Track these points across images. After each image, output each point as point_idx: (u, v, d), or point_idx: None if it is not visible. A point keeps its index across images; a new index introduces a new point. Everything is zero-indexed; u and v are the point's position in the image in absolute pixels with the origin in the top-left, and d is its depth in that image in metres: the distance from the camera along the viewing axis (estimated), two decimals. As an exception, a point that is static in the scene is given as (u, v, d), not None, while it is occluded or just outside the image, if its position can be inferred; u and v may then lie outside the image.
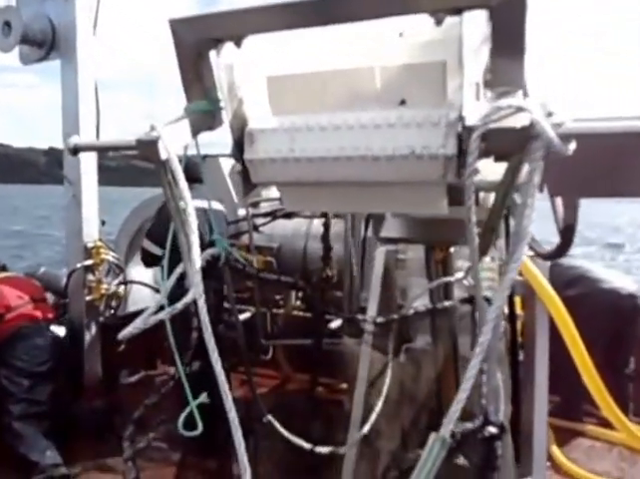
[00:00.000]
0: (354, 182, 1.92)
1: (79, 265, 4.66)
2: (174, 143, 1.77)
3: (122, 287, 4.87)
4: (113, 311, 4.85)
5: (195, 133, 1.93)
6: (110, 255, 4.77)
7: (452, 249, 3.54)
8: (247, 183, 2.07)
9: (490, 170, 1.80)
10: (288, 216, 5.25)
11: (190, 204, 1.74)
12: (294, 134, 1.91)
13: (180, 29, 1.85)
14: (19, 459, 4.02)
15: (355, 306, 5.05)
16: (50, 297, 4.81)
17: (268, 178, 2.00)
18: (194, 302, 1.83)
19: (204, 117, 1.99)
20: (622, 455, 5.06)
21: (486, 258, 3.94)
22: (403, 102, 1.91)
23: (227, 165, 5.67)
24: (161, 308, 1.86)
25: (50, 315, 4.55)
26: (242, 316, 5.93)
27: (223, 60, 1.90)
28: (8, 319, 4.32)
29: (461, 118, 1.76)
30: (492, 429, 1.52)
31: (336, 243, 4.89)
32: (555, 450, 4.98)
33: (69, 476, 4.03)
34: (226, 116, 1.99)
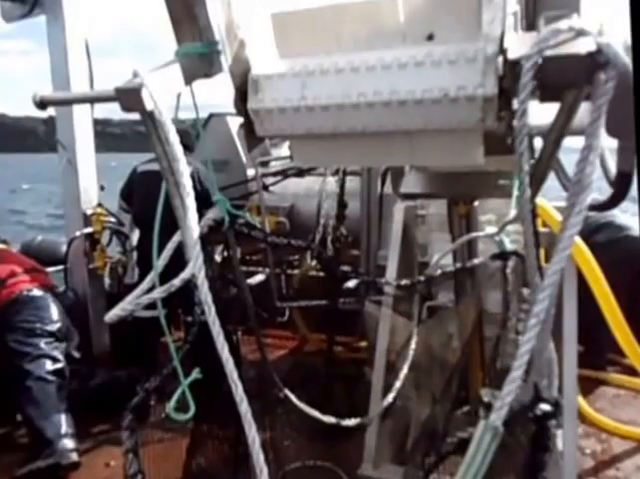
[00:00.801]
0: (376, 131, 1.67)
1: (78, 233, 4.45)
2: (163, 91, 1.51)
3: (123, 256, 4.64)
4: (119, 280, 4.65)
5: (189, 80, 1.66)
6: (111, 222, 4.54)
7: (475, 203, 3.31)
8: (252, 136, 1.81)
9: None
10: (300, 174, 4.99)
11: (183, 161, 1.49)
12: (306, 78, 1.64)
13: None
14: (32, 435, 3.89)
15: (372, 265, 4.84)
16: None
17: (276, 130, 1.75)
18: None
19: (200, 62, 1.72)
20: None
21: (512, 211, 3.75)
22: (430, 37, 1.62)
23: (235, 124, 5.40)
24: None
25: (51, 283, 4.37)
26: (256, 279, 5.78)
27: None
28: (8, 285, 4.12)
29: (501, 51, 1.49)
30: (545, 407, 1.31)
31: (351, 201, 4.65)
32: (580, 400, 4.86)
33: (78, 463, 3.83)
34: (225, 60, 1.72)
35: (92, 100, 1.77)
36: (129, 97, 1.46)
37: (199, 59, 1.71)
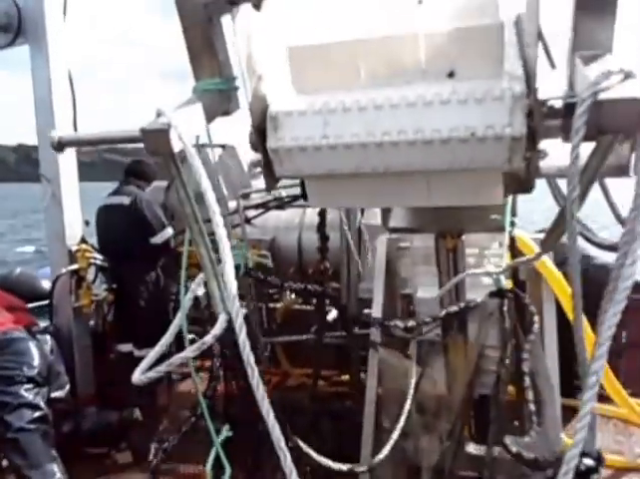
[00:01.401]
0: (398, 171, 1.59)
1: (64, 270, 4.23)
2: (189, 132, 1.40)
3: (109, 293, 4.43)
4: (104, 318, 4.44)
5: (210, 119, 1.57)
6: (96, 259, 4.32)
7: (463, 237, 3.26)
8: (270, 176, 1.72)
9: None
10: (281, 206, 4.91)
11: (216, 208, 1.36)
12: (327, 116, 1.56)
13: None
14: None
15: (354, 298, 4.73)
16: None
17: (296, 170, 1.66)
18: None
19: (217, 98, 1.63)
20: (618, 428, 4.93)
21: (495, 244, 3.73)
22: (452, 74, 1.56)
23: (215, 155, 5.23)
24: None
25: (31, 321, 4.12)
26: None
27: (240, 27, 1.53)
28: None
29: (530, 90, 1.43)
30: (589, 461, 1.21)
31: (330, 233, 4.56)
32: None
33: None
34: (245, 96, 1.62)
35: (112, 141, 1.66)
36: (155, 138, 1.36)
37: (218, 96, 1.61)
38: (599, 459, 1.22)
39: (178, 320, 1.65)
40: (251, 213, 4.90)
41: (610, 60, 1.28)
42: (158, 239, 4.60)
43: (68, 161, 4.27)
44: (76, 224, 4.37)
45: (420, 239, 3.84)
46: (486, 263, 3.59)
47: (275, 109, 1.60)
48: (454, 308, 2.77)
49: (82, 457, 3.87)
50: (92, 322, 4.46)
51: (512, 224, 3.20)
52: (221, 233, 1.28)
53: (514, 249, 3.58)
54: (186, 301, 1.67)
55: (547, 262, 3.76)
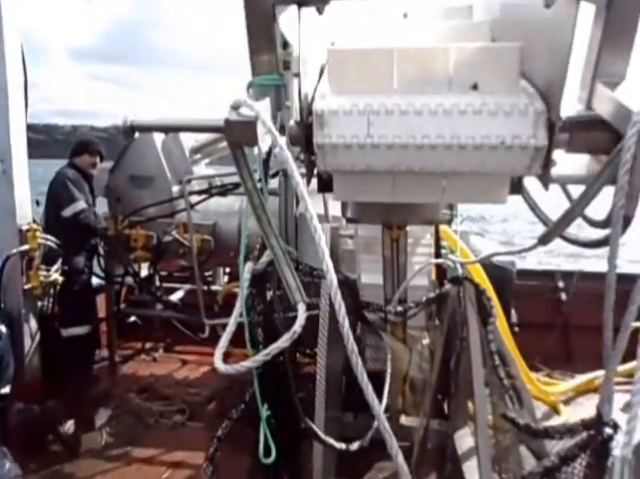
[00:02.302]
0: (429, 171, 1.70)
1: (15, 251, 3.92)
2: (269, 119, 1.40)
3: (59, 275, 4.14)
4: (53, 300, 4.15)
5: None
6: (46, 239, 4.02)
7: (407, 228, 3.44)
8: (310, 168, 1.76)
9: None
10: (224, 193, 4.86)
11: (308, 198, 1.34)
12: (371, 117, 1.64)
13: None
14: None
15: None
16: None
17: (337, 165, 1.73)
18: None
19: (268, 92, 1.64)
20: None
21: (427, 235, 3.95)
22: (475, 86, 1.70)
23: (159, 139, 5.09)
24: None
25: None
26: (177, 295, 5.48)
27: (303, 27, 1.57)
28: None
29: (549, 108, 1.60)
30: (608, 430, 1.34)
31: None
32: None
33: None
34: (293, 92, 1.66)
35: (189, 129, 1.62)
36: (241, 130, 1.35)
37: (266, 90, 1.62)
38: (615, 427, 1.33)
39: (240, 304, 1.64)
40: (194, 198, 4.81)
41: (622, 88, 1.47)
42: (67, 212, 4.39)
43: (18, 139, 3.95)
44: (26, 203, 4.06)
45: (363, 228, 4.00)
46: (420, 253, 3.83)
47: (321, 107, 1.66)
48: (430, 294, 2.93)
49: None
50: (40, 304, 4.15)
51: (452, 219, 3.44)
52: (316, 225, 1.28)
53: (439, 240, 3.84)
54: (245, 281, 1.66)
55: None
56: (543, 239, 1.84)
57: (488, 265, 5.55)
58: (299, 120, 1.69)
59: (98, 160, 4.72)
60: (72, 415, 4.00)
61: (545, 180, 1.70)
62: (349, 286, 3.01)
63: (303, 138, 1.70)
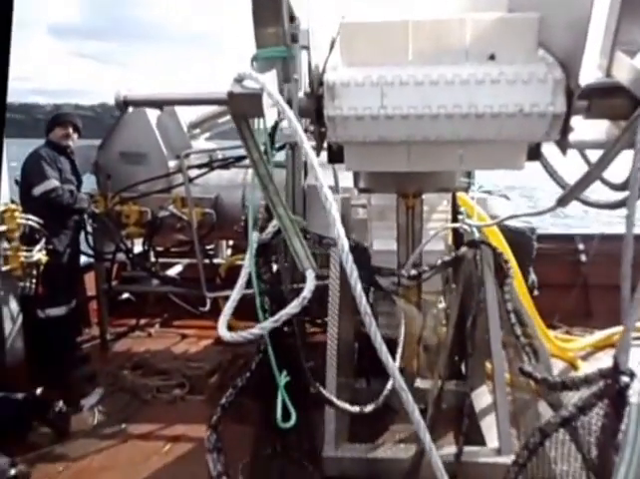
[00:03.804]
0: (447, 140, 1.75)
1: None
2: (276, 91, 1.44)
3: (43, 254, 4.17)
4: (37, 281, 4.18)
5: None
6: (27, 219, 4.02)
7: (423, 196, 3.51)
8: (321, 139, 1.81)
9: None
10: (226, 166, 4.89)
11: (318, 167, 1.38)
12: (385, 88, 1.68)
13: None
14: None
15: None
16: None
17: (349, 136, 1.77)
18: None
19: (274, 65, 1.68)
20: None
21: (444, 202, 4.02)
22: (492, 57, 1.74)
23: (153, 116, 5.09)
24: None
25: None
26: (175, 269, 5.54)
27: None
28: None
29: (568, 76, 1.64)
30: (625, 379, 1.42)
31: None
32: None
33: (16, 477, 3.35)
34: (299, 73, 1.70)
35: (188, 102, 1.65)
36: (246, 102, 1.39)
37: (272, 63, 1.66)
38: (632, 375, 1.40)
39: (247, 267, 1.69)
40: (193, 172, 4.83)
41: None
42: (36, 191, 4.41)
43: (-8, 115, 3.93)
44: (2, 184, 4.03)
45: (376, 197, 4.06)
46: (436, 219, 3.92)
47: (332, 79, 1.69)
48: (446, 258, 3.01)
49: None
50: (22, 285, 4.17)
51: (469, 186, 3.51)
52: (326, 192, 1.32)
53: (455, 207, 3.92)
54: (253, 246, 1.71)
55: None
56: (562, 201, 1.90)
57: (508, 230, 5.68)
58: (309, 92, 1.73)
59: (71, 130, 4.66)
60: (59, 398, 4.01)
61: (563, 145, 1.75)
62: (360, 252, 3.07)
63: (313, 110, 1.74)
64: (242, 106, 1.42)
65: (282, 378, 1.80)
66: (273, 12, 1.59)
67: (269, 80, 1.49)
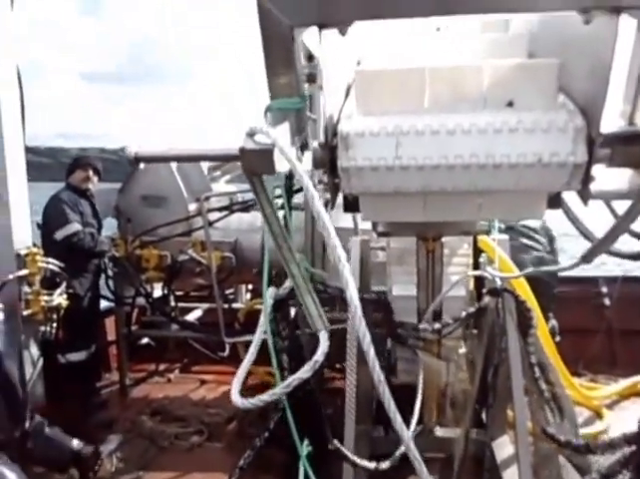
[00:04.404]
0: (464, 190, 1.72)
1: (11, 277, 3.97)
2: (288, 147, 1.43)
3: (64, 298, 4.20)
4: (58, 325, 4.20)
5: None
6: (48, 263, 4.06)
7: (443, 239, 3.46)
8: (335, 191, 1.79)
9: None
10: (246, 209, 4.93)
11: (332, 229, 1.37)
12: (400, 138, 1.65)
13: (274, 6, 1.49)
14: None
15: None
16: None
17: (364, 187, 1.75)
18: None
19: (287, 116, 1.67)
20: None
21: (465, 245, 3.97)
22: (511, 103, 1.71)
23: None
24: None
25: None
26: (194, 314, 5.53)
27: (327, 43, 1.59)
28: None
29: (589, 123, 1.61)
30: None
31: (296, 235, 4.63)
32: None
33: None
34: (318, 114, 1.68)
35: (199, 158, 1.65)
36: (257, 158, 1.38)
37: (286, 113, 1.65)
38: None
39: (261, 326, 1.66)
40: (213, 215, 4.86)
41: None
42: (58, 235, 4.46)
43: (16, 161, 4.01)
44: (25, 227, 4.10)
45: (395, 240, 4.03)
46: (457, 263, 3.86)
47: (346, 129, 1.68)
48: (469, 310, 2.94)
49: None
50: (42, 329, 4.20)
51: (490, 228, 3.45)
52: (340, 253, 1.30)
53: (477, 250, 3.85)
54: (268, 307, 1.68)
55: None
56: (587, 257, 1.84)
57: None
58: (323, 142, 1.72)
59: (91, 173, 4.75)
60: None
61: (585, 195, 1.70)
62: (380, 303, 3.02)
63: (327, 160, 1.73)
64: (254, 162, 1.40)
65: (304, 448, 1.75)
66: (286, 60, 1.57)
67: (281, 133, 1.48)
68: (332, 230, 1.33)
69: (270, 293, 1.81)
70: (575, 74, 1.69)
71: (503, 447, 3.52)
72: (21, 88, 4.17)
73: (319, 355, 1.39)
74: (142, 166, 5.08)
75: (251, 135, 1.42)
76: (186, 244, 4.89)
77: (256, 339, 1.67)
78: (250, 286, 5.98)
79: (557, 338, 4.82)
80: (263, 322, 1.77)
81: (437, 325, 2.79)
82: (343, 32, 1.58)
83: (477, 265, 3.74)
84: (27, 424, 3.50)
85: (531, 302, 3.41)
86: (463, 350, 3.79)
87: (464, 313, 2.90)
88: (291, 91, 1.63)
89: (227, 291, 5.46)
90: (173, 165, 5.03)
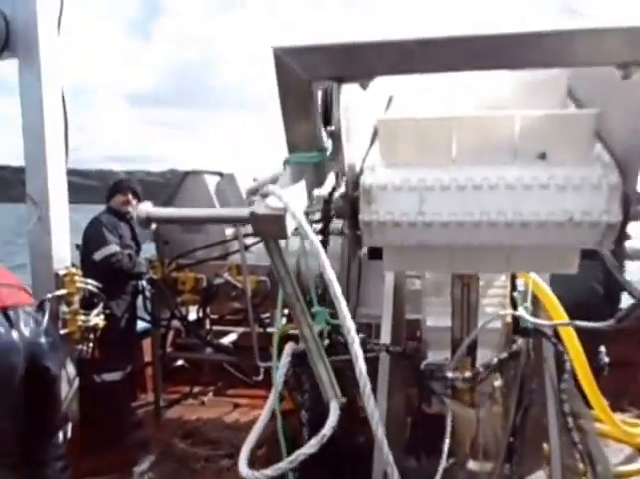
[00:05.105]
0: (490, 247, 1.65)
1: (49, 296, 4.06)
2: (300, 211, 1.41)
3: (101, 319, 4.28)
4: (94, 345, 4.29)
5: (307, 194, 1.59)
6: (86, 284, 4.16)
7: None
8: (357, 244, 1.76)
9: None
10: (281, 233, 4.89)
11: (339, 291, 1.36)
12: (424, 193, 1.60)
13: (292, 62, 1.47)
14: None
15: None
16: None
17: (386, 241, 1.70)
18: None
19: (308, 170, 1.65)
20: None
21: (503, 277, 3.85)
22: (543, 155, 1.63)
23: (212, 181, 5.25)
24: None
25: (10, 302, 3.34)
26: (229, 338, 5.56)
27: (343, 101, 1.56)
28: None
29: (625, 178, 1.52)
30: None
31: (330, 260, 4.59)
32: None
33: None
34: (339, 166, 1.65)
35: (211, 220, 1.65)
36: (269, 223, 1.36)
37: (308, 167, 1.63)
38: None
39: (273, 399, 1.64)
40: (249, 240, 4.87)
41: None
42: (97, 256, 4.54)
43: (58, 183, 4.12)
44: (64, 248, 4.20)
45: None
46: (493, 294, 3.74)
47: (369, 181, 1.64)
48: (504, 355, 2.84)
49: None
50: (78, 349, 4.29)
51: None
52: (345, 313, 1.28)
53: (514, 286, 3.72)
54: (284, 366, 1.66)
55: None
56: (622, 320, 1.75)
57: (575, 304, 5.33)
58: (344, 193, 1.68)
59: (130, 196, 4.83)
60: (111, 463, 4.10)
61: (619, 255, 1.62)
62: (406, 356, 2.96)
63: (348, 211, 1.69)
64: (266, 226, 1.38)
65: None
66: (304, 113, 1.56)
67: (296, 194, 1.46)
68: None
69: (288, 350, 1.77)
70: (615, 122, 1.60)
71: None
72: (65, 111, 4.28)
73: (327, 429, 1.36)
74: (184, 183, 5.18)
75: (265, 195, 1.41)
76: (223, 268, 4.90)
77: (263, 417, 1.65)
78: (286, 311, 5.94)
79: (605, 373, 4.65)
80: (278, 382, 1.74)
81: (467, 374, 2.68)
82: (364, 86, 1.54)
83: (513, 302, 3.62)
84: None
85: (571, 341, 3.27)
86: (499, 383, 3.67)
87: (495, 360, 2.78)
88: (310, 143, 1.61)
89: (263, 316, 5.45)
90: (212, 188, 5.08)
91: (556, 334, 3.55)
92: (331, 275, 1.34)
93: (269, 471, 1.37)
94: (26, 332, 3.27)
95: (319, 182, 1.66)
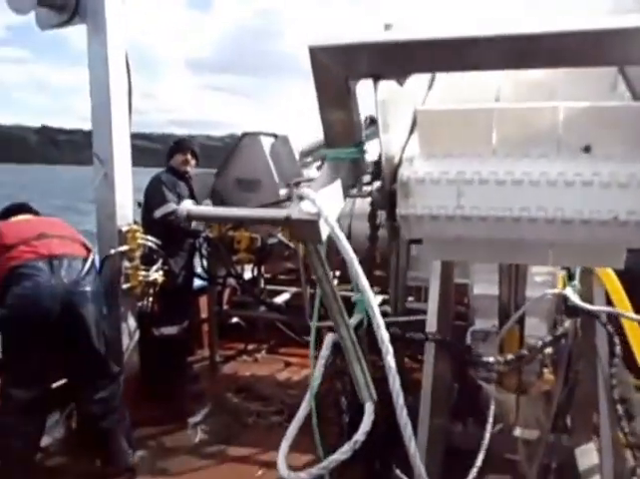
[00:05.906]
0: (532, 241, 1.64)
1: (113, 251, 4.18)
2: (333, 215, 1.44)
3: (160, 275, 4.49)
4: (154, 299, 4.51)
5: (345, 192, 1.61)
6: (147, 240, 4.35)
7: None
8: (395, 235, 1.78)
9: None
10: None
11: (371, 293, 1.40)
12: (462, 187, 1.59)
13: (328, 60, 1.46)
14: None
15: (402, 286, 4.78)
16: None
17: (424, 234, 1.71)
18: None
19: (347, 165, 1.66)
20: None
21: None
22: (587, 149, 1.57)
23: (267, 142, 5.32)
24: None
25: (61, 251, 3.54)
26: (282, 297, 5.70)
27: (380, 97, 1.55)
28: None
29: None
30: None
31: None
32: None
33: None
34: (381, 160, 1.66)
35: (249, 221, 1.69)
36: (304, 227, 1.41)
37: (347, 162, 1.64)
38: None
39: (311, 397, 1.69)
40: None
41: None
42: (157, 214, 4.68)
43: (122, 143, 4.28)
44: (127, 205, 4.39)
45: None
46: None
47: (407, 174, 1.63)
48: (548, 338, 2.80)
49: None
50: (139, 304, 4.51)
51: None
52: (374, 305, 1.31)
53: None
54: (323, 357, 1.72)
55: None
56: None
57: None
58: (381, 186, 1.69)
59: (189, 156, 4.95)
60: (167, 414, 4.33)
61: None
62: (449, 346, 2.96)
63: (387, 204, 1.71)
64: (300, 231, 1.43)
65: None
66: (341, 110, 1.55)
67: (331, 196, 1.48)
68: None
69: (329, 340, 1.82)
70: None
71: (587, 455, 3.34)
72: (129, 76, 4.39)
73: (360, 434, 1.37)
74: (240, 145, 5.29)
75: (301, 198, 1.44)
76: (276, 228, 5.00)
77: (302, 411, 1.71)
78: (338, 273, 6.03)
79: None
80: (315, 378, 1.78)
81: (510, 356, 2.66)
82: (401, 83, 1.53)
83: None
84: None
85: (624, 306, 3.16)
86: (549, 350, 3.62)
87: (540, 343, 2.76)
88: (347, 139, 1.61)
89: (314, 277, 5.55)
90: (267, 149, 5.13)
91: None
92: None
93: (304, 474, 1.44)
94: (66, 280, 3.46)
95: (357, 178, 1.67)
